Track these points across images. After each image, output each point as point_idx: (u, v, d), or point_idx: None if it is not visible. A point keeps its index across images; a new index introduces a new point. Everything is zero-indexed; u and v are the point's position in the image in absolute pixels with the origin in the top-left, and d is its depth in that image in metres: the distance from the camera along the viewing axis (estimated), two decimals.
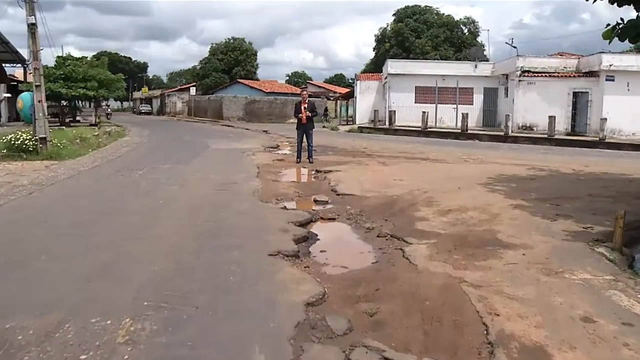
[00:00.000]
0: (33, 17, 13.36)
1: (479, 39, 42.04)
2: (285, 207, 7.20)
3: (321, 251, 5.32)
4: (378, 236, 5.87)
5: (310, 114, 12.53)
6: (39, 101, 13.89)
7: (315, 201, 7.85)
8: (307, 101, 12.63)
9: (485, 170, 11.39)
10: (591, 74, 23.13)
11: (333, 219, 6.78)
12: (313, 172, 11.13)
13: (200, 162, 12.76)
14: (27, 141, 13.44)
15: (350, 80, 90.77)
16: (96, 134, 20.14)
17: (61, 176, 10.30)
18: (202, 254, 4.87)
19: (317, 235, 5.92)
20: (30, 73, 32.99)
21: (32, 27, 13.46)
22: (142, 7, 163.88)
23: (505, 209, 7.36)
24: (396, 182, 9.39)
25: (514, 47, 27.06)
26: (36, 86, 13.81)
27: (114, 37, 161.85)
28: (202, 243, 5.25)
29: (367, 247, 5.52)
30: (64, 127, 25.23)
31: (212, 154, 14.93)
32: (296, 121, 12.90)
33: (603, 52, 22.46)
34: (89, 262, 4.61)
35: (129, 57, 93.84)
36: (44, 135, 13.72)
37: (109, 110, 50.68)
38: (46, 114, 14.33)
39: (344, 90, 56.35)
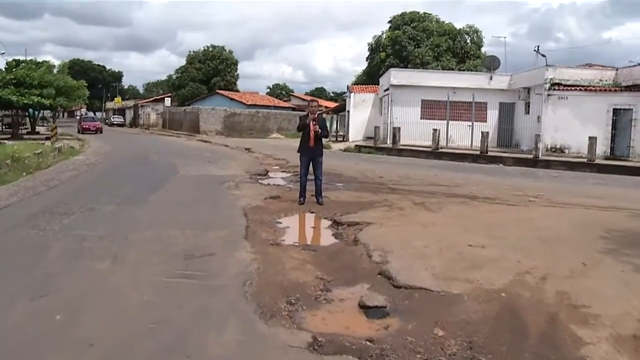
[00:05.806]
0: None
1: (482, 50, 38.89)
2: (315, 341, 3.40)
3: None
4: None
5: (319, 132, 8.69)
6: None
7: (364, 308, 4.12)
8: (316, 115, 8.82)
9: (575, 221, 7.86)
10: (636, 87, 19.84)
11: None
12: (330, 224, 7.36)
13: (161, 201, 8.92)
14: None
15: (332, 94, 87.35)
16: (39, 151, 16.10)
17: None
18: None
19: None
20: None
21: None
22: (122, 18, 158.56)
23: None
24: (476, 250, 5.72)
25: (543, 55, 23.59)
26: None
27: (93, 47, 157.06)
28: None
29: None
30: (6, 142, 20.99)
31: (179, 186, 11.03)
32: (298, 143, 9.06)
33: None
34: None
35: (103, 66, 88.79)
36: None
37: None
38: None
39: (329, 104, 52.91)
